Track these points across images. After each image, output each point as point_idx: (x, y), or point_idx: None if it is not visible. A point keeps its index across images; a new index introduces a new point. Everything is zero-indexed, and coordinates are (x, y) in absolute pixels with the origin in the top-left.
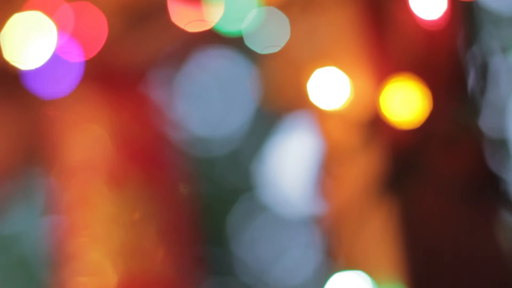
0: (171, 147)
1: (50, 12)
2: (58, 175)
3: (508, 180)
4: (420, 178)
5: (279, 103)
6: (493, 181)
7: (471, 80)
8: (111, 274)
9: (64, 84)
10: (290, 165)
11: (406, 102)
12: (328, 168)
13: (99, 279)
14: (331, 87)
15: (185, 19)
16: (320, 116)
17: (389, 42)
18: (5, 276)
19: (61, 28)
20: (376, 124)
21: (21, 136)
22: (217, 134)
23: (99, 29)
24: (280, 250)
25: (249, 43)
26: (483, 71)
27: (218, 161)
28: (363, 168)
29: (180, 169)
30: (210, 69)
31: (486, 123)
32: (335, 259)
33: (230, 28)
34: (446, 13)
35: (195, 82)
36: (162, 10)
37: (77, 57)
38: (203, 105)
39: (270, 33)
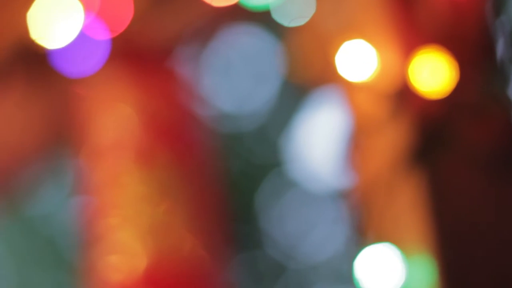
0: (198, 124)
1: None
2: (87, 155)
3: None
4: (448, 149)
5: (306, 77)
6: None
7: (500, 49)
8: (141, 254)
9: (90, 63)
10: (318, 140)
11: (433, 73)
12: (356, 141)
13: (128, 259)
14: (358, 59)
15: None
16: (348, 89)
17: (416, 13)
18: (35, 257)
19: (87, 7)
20: (404, 96)
21: (49, 116)
22: (244, 109)
23: (125, 7)
24: (309, 225)
25: (275, 17)
26: None
27: (246, 137)
28: (391, 140)
29: (208, 145)
30: (237, 45)
31: None
32: (364, 233)
33: (256, 2)
34: None
35: (221, 58)
36: None
37: (103, 35)
38: (230, 81)
39: (296, 6)
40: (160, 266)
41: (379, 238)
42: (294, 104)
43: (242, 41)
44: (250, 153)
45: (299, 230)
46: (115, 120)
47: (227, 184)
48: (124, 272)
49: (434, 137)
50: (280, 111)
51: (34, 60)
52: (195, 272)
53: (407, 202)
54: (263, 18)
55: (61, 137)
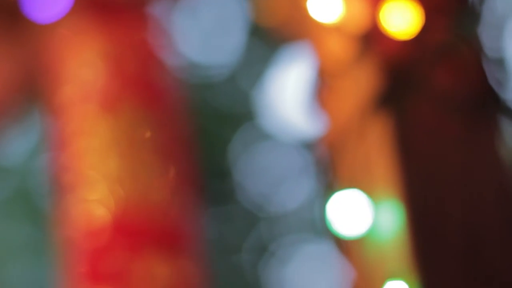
0: (167, 73)
1: None
2: (55, 104)
3: (508, 95)
4: (417, 92)
5: (274, 21)
6: (492, 95)
7: None
8: (110, 202)
9: (58, 8)
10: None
11: (401, 13)
12: (324, 84)
13: (98, 206)
14: (326, 1)
15: None
16: (316, 31)
17: None
18: (6, 208)
19: None
20: (371, 37)
21: (17, 65)
22: (213, 59)
23: None
24: (280, 175)
25: None
26: None
27: (216, 88)
28: (359, 82)
29: (177, 95)
30: None
31: (485, 36)
32: (333, 179)
33: None
34: None
35: (190, 6)
36: None
37: None
38: (198, 29)
39: None
40: (130, 214)
41: (348, 184)
42: (264, 55)
43: None
44: (221, 104)
45: (270, 181)
46: (82, 68)
47: (197, 134)
48: (94, 220)
49: (402, 79)
50: (250, 61)
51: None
52: (165, 220)
53: (375, 147)
54: None
55: (29, 86)
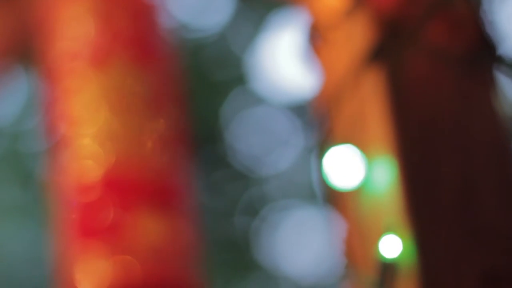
0: (158, 30)
1: None
2: (44, 63)
3: (503, 49)
4: (411, 45)
5: None
6: (488, 49)
7: None
8: (101, 157)
9: None
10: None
11: None
12: (318, 37)
13: (89, 163)
14: None
15: None
16: None
17: None
18: None
19: None
20: None
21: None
22: (204, 20)
23: None
24: (271, 138)
25: None
26: None
27: (207, 50)
28: (353, 35)
29: (168, 52)
30: None
31: None
32: (327, 134)
33: None
34: None
35: None
36: None
37: None
38: None
39: None
40: (121, 170)
41: (342, 139)
42: (256, 16)
43: None
44: (212, 67)
45: (262, 144)
46: (72, 24)
47: (188, 95)
48: (85, 176)
49: (396, 32)
50: (242, 23)
51: None
52: (157, 177)
53: (369, 100)
54: None
55: (18, 45)
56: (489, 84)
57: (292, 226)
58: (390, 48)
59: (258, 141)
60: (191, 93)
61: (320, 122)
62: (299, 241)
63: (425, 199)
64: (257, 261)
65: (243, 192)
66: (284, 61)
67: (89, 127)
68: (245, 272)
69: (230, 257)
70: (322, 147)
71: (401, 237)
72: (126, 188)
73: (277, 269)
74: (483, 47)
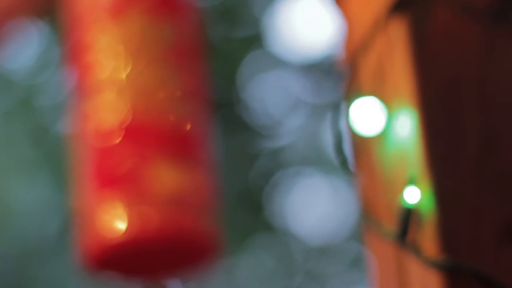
0: None
1: None
2: (66, 16)
3: None
4: None
5: None
6: None
7: None
8: (120, 106)
9: None
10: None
11: None
12: None
13: (107, 111)
14: None
15: None
16: None
17: None
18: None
19: None
20: None
21: None
22: None
23: None
24: (292, 98)
25: None
26: None
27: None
28: None
29: (189, 5)
30: None
31: None
32: (350, 87)
33: None
34: None
35: None
36: None
37: None
38: None
39: None
40: (139, 119)
41: (365, 91)
42: None
43: None
44: (231, 27)
45: (279, 106)
46: None
47: (208, 50)
48: (103, 124)
49: None
50: None
51: None
52: (175, 127)
53: (393, 52)
54: None
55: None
56: None
57: (303, 190)
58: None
59: (275, 102)
60: (211, 49)
61: (344, 75)
62: (310, 205)
63: (446, 150)
64: (269, 221)
65: (259, 154)
66: (303, 18)
67: (108, 77)
68: (257, 231)
69: (245, 216)
70: (347, 99)
71: (421, 187)
72: (144, 137)
73: (288, 230)
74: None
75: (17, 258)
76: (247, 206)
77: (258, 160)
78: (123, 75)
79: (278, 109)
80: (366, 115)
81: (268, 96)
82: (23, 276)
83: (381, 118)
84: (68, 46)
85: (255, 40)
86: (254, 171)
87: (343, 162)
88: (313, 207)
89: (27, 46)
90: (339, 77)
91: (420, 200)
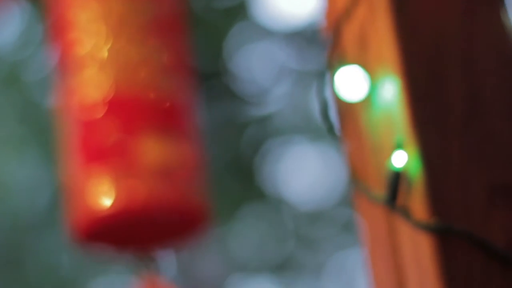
0: None
1: None
2: None
3: None
4: None
5: None
6: None
7: None
8: (103, 80)
9: None
10: None
11: None
12: None
13: (91, 85)
14: None
15: None
16: None
17: None
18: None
19: None
20: None
21: None
22: None
23: None
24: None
25: None
26: None
27: None
28: None
29: None
30: None
31: None
32: (334, 55)
33: None
34: None
35: None
36: None
37: None
38: None
39: None
40: (123, 92)
41: (348, 60)
42: None
43: None
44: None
45: (265, 76)
46: None
47: (191, 21)
48: (88, 98)
49: None
50: None
51: None
52: (159, 99)
53: (375, 19)
54: None
55: None
56: (497, 1)
57: (293, 158)
58: None
59: (261, 71)
60: (195, 23)
61: (328, 43)
62: (300, 172)
63: (431, 115)
64: (261, 189)
65: (247, 122)
66: None
67: (89, 52)
68: (248, 200)
69: (236, 185)
70: (331, 67)
71: (409, 151)
72: (128, 111)
73: (280, 196)
74: None
75: (8, 232)
76: (238, 175)
77: (247, 129)
78: (105, 51)
79: (264, 78)
80: (350, 82)
81: (254, 65)
82: (16, 250)
83: (365, 84)
84: (50, 23)
85: (239, 10)
86: (244, 140)
87: (330, 128)
88: (303, 174)
89: (11, 22)
90: (323, 45)
91: (408, 164)
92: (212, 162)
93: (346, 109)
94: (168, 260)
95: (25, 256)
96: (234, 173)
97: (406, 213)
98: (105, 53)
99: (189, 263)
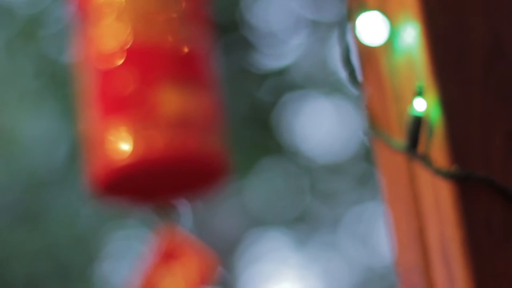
0: None
1: None
2: None
3: None
4: None
5: None
6: None
7: None
8: (121, 31)
9: None
10: None
11: None
12: None
13: (108, 36)
14: None
15: None
16: None
17: None
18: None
19: None
20: None
21: None
22: None
23: None
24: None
25: None
26: None
27: None
28: None
29: None
30: None
31: None
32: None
33: None
34: None
35: None
36: None
37: None
38: None
39: None
40: (140, 42)
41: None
42: None
43: None
44: None
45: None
46: None
47: None
48: (104, 48)
49: None
50: None
51: None
52: (177, 49)
53: None
54: None
55: None
56: None
57: (310, 111)
58: None
59: (278, 22)
60: None
61: None
62: (316, 125)
63: (451, 59)
64: (278, 141)
65: (265, 74)
66: None
67: (106, 0)
68: (266, 152)
69: (253, 138)
70: (351, 12)
71: (429, 97)
72: (146, 60)
73: (296, 149)
74: None
75: (26, 188)
76: (254, 128)
77: (265, 82)
78: (123, 2)
79: (281, 29)
80: (371, 28)
81: (271, 17)
82: (33, 205)
83: (386, 29)
84: None
85: None
86: (261, 92)
87: (351, 73)
88: (320, 127)
89: None
90: None
91: (429, 110)
92: (229, 115)
93: (367, 54)
94: (185, 212)
95: (42, 211)
96: (250, 126)
97: (426, 160)
98: (122, 2)
99: (205, 216)
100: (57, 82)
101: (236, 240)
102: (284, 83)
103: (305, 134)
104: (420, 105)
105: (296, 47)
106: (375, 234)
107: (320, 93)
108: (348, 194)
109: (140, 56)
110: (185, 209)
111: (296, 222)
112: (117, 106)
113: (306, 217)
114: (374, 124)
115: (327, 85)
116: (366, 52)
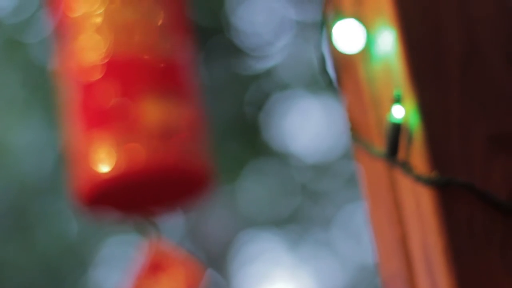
0: None
1: None
2: None
3: None
4: None
5: None
6: None
7: None
8: (101, 44)
9: None
10: None
11: None
12: None
13: (90, 48)
14: None
15: None
16: None
17: None
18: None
19: None
20: None
21: None
22: None
23: None
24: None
25: None
26: None
27: None
28: None
29: None
30: None
31: None
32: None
33: None
34: None
35: None
36: None
37: None
38: None
39: None
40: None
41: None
42: None
43: None
44: None
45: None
46: None
47: None
48: (86, 61)
49: None
50: None
51: None
52: (158, 62)
53: None
54: None
55: None
56: None
57: (297, 111)
58: None
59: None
60: None
61: None
62: (305, 125)
63: (428, 66)
64: (266, 144)
65: (251, 76)
66: None
67: (85, 14)
68: (255, 155)
69: (241, 141)
70: (328, 20)
71: (407, 104)
72: (127, 72)
73: (286, 150)
74: None
75: (15, 195)
76: (243, 131)
77: (251, 84)
78: (101, 12)
79: (265, 31)
80: (347, 36)
81: (255, 19)
82: (24, 214)
83: (362, 37)
84: None
85: None
86: (248, 95)
87: (329, 82)
88: (308, 127)
89: None
90: None
91: (407, 117)
92: (216, 119)
93: (344, 62)
94: (174, 221)
95: (32, 220)
96: (239, 129)
97: (406, 167)
98: (100, 15)
99: (197, 222)
100: (45, 91)
101: (228, 242)
102: (271, 84)
103: (294, 134)
104: (398, 112)
105: (282, 48)
106: (367, 232)
107: (308, 93)
108: (339, 193)
109: (121, 69)
110: (173, 218)
111: (288, 222)
112: (99, 119)
113: (297, 217)
114: (354, 132)
115: (314, 84)
116: (344, 60)
